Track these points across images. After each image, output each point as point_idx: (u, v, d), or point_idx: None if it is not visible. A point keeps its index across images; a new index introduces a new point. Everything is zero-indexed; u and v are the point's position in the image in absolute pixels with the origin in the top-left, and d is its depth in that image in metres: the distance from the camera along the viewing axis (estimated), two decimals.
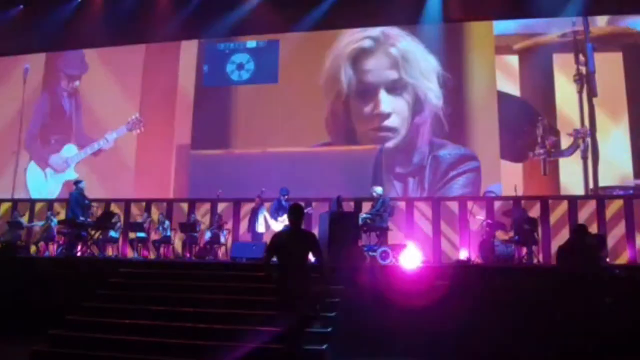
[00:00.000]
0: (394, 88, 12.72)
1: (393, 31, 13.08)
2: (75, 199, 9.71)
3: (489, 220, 10.69)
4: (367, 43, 13.08)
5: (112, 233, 11.41)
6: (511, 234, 10.24)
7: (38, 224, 12.07)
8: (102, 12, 13.16)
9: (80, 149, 14.00)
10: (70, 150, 14.03)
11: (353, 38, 13.19)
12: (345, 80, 12.96)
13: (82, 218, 9.58)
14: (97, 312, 6.90)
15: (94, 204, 10.67)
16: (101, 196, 13.22)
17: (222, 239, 11.14)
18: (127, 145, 13.80)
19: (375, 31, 13.10)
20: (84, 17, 13.12)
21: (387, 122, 12.65)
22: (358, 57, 13.03)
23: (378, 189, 9.75)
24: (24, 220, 12.21)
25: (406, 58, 12.81)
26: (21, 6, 13.29)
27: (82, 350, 6.41)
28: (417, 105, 12.61)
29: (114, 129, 13.88)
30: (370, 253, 8.84)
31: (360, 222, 9.03)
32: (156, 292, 7.35)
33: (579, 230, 6.52)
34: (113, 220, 10.60)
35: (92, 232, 9.86)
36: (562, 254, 6.63)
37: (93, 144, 13.91)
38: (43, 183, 13.88)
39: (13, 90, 14.73)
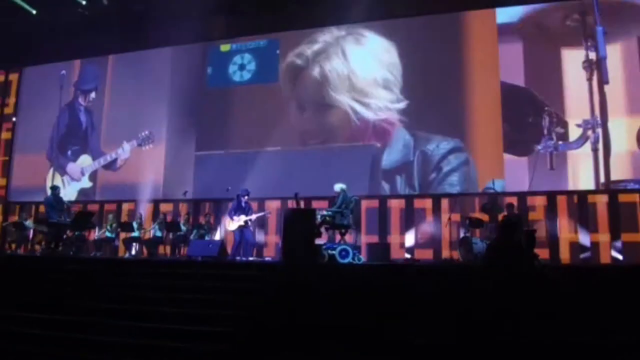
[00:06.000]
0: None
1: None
2: (49, 203, 10.18)
3: (469, 217, 10.15)
4: (298, 62, 13.24)
5: (108, 233, 11.79)
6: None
7: (42, 226, 12.58)
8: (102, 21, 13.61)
9: (94, 160, 14.59)
10: (85, 160, 14.66)
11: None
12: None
13: (59, 219, 9.97)
14: (29, 308, 7.05)
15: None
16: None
17: (207, 238, 11.19)
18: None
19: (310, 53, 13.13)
20: (84, 26, 13.64)
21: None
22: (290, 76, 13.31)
23: (338, 186, 9.45)
24: (29, 222, 12.77)
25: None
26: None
27: (5, 344, 6.52)
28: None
29: (126, 143, 14.30)
30: (330, 251, 8.59)
31: (319, 219, 8.79)
32: (103, 288, 7.42)
33: (506, 226, 6.00)
34: (93, 220, 10.94)
35: (70, 232, 10.23)
36: (490, 251, 6.17)
37: (106, 156, 14.43)
38: (62, 190, 14.39)
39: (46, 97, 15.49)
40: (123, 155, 14.20)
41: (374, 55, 12.69)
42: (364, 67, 12.69)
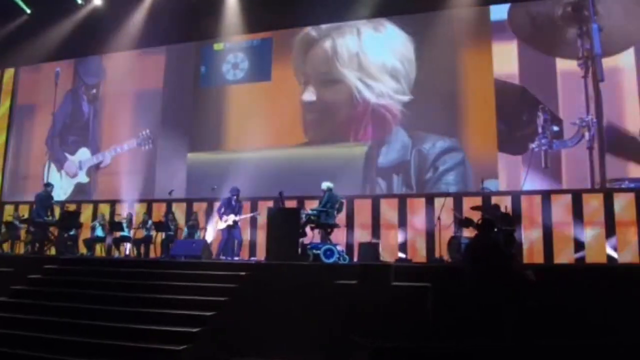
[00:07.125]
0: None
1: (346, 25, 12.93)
2: (41, 199, 10.04)
3: (458, 216, 9.99)
4: (313, 33, 13.18)
5: (98, 232, 11.72)
6: None
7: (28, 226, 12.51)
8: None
9: (92, 155, 14.52)
10: (84, 154, 14.56)
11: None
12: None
13: (46, 218, 9.86)
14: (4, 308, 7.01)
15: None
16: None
17: (197, 237, 11.07)
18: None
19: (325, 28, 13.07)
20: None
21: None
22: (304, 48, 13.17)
23: (324, 184, 9.33)
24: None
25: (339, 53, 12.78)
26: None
27: None
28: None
29: (125, 141, 14.20)
30: (314, 251, 8.45)
31: (303, 218, 8.66)
32: (74, 288, 7.37)
33: (483, 225, 5.86)
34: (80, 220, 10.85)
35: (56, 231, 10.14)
36: (467, 251, 6.04)
37: (105, 152, 14.34)
38: (58, 182, 14.11)
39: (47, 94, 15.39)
40: (104, 162, 14.18)
41: (388, 43, 12.60)
42: (375, 50, 12.64)
